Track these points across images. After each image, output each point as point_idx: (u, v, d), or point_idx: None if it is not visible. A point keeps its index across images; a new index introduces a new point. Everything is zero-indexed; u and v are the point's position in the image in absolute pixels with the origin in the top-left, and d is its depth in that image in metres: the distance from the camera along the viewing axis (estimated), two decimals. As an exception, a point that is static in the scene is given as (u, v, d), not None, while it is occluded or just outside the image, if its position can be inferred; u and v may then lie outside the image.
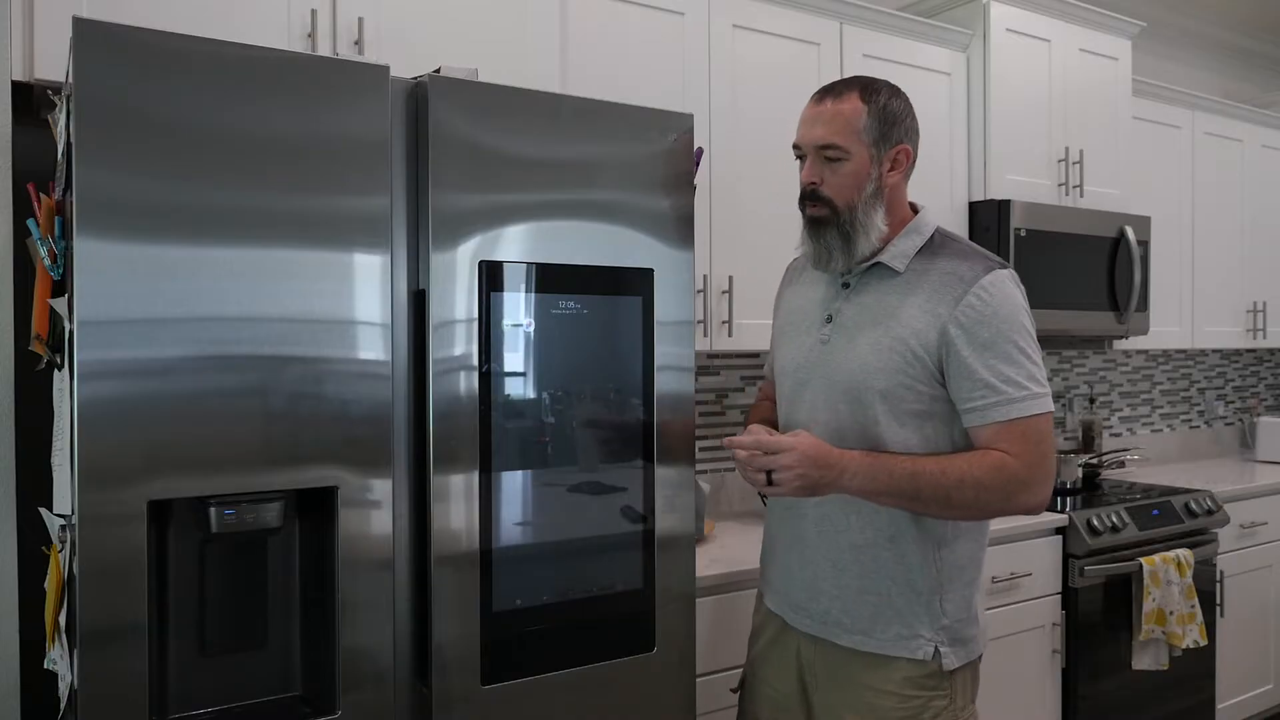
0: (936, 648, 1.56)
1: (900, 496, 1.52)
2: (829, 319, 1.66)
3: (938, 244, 1.62)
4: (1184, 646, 2.81)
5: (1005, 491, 1.51)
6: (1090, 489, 3.23)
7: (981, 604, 1.65)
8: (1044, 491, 1.54)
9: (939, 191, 2.93)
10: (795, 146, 1.65)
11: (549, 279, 1.58)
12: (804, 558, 1.66)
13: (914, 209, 1.67)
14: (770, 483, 1.50)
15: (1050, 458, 1.54)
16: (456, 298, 1.51)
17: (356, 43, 1.94)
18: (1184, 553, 2.89)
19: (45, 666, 1.51)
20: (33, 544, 1.62)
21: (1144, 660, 2.81)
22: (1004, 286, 1.55)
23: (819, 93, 1.64)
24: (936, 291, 1.56)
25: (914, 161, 1.65)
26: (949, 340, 1.53)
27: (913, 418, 1.56)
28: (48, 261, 1.44)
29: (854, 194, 1.59)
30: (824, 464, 1.50)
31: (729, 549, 2.33)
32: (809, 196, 1.61)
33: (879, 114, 1.59)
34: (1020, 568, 2.65)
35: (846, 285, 1.66)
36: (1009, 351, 1.52)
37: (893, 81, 1.66)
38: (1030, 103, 3.08)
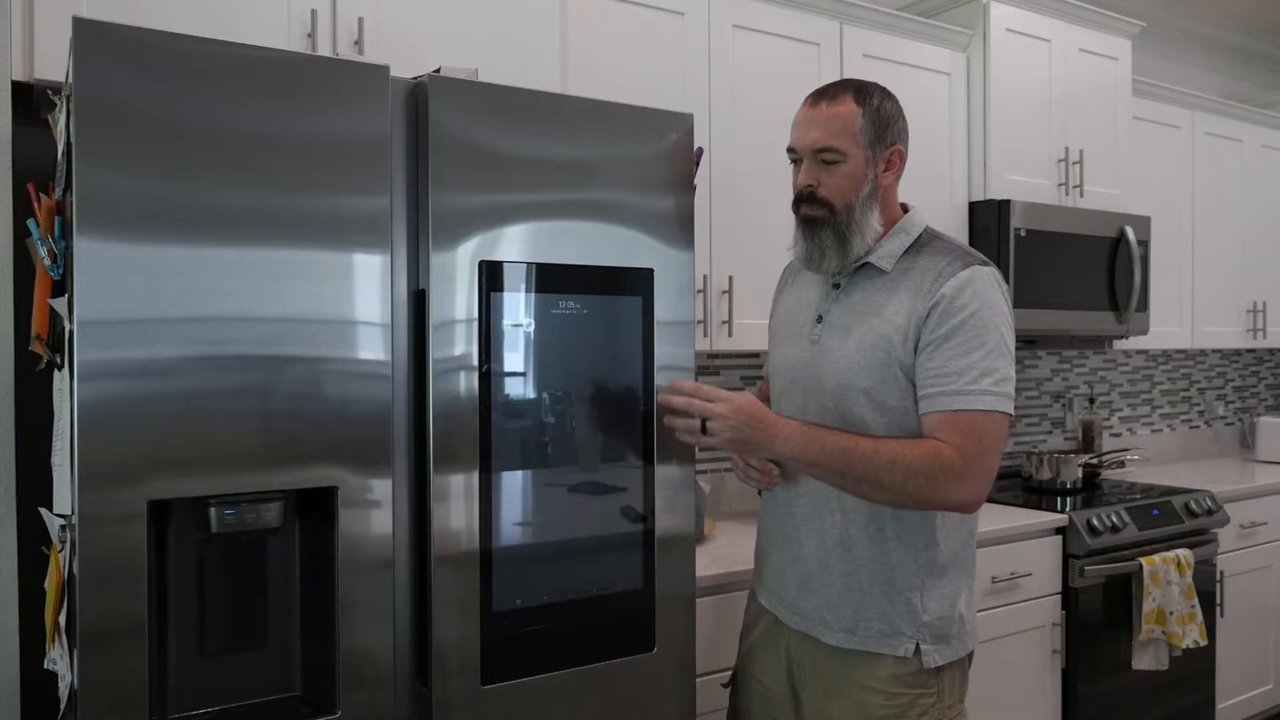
0: (918, 645, 1.57)
1: (831, 470, 1.53)
2: (819, 319, 1.68)
3: (924, 242, 1.63)
4: (1184, 646, 2.81)
5: (935, 480, 1.48)
6: (1090, 489, 3.23)
7: (971, 603, 1.64)
8: (976, 488, 1.50)
9: (939, 191, 2.93)
10: (790, 150, 1.65)
11: (549, 279, 1.58)
12: (794, 555, 1.68)
13: (904, 209, 1.68)
14: (705, 432, 1.54)
15: (990, 456, 1.51)
16: (456, 298, 1.51)
17: (356, 43, 1.94)
18: (1184, 553, 2.89)
19: (45, 666, 1.51)
20: (33, 544, 1.62)
21: (1144, 660, 2.81)
22: (978, 283, 1.54)
23: (813, 95, 1.64)
24: (916, 287, 1.57)
25: (904, 162, 1.66)
26: (919, 333, 1.54)
27: (898, 416, 1.56)
28: (48, 261, 1.44)
29: (851, 195, 1.60)
30: (758, 423, 1.53)
31: (729, 549, 2.33)
32: (806, 198, 1.62)
33: (873, 116, 1.60)
34: (1020, 568, 2.65)
35: (837, 286, 1.67)
36: (968, 343, 1.51)
37: (892, 81, 1.67)
38: (1030, 103, 3.08)
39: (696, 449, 1.71)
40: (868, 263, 1.62)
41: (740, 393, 1.56)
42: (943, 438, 1.50)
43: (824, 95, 1.62)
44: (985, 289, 1.54)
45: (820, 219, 1.61)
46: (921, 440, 1.52)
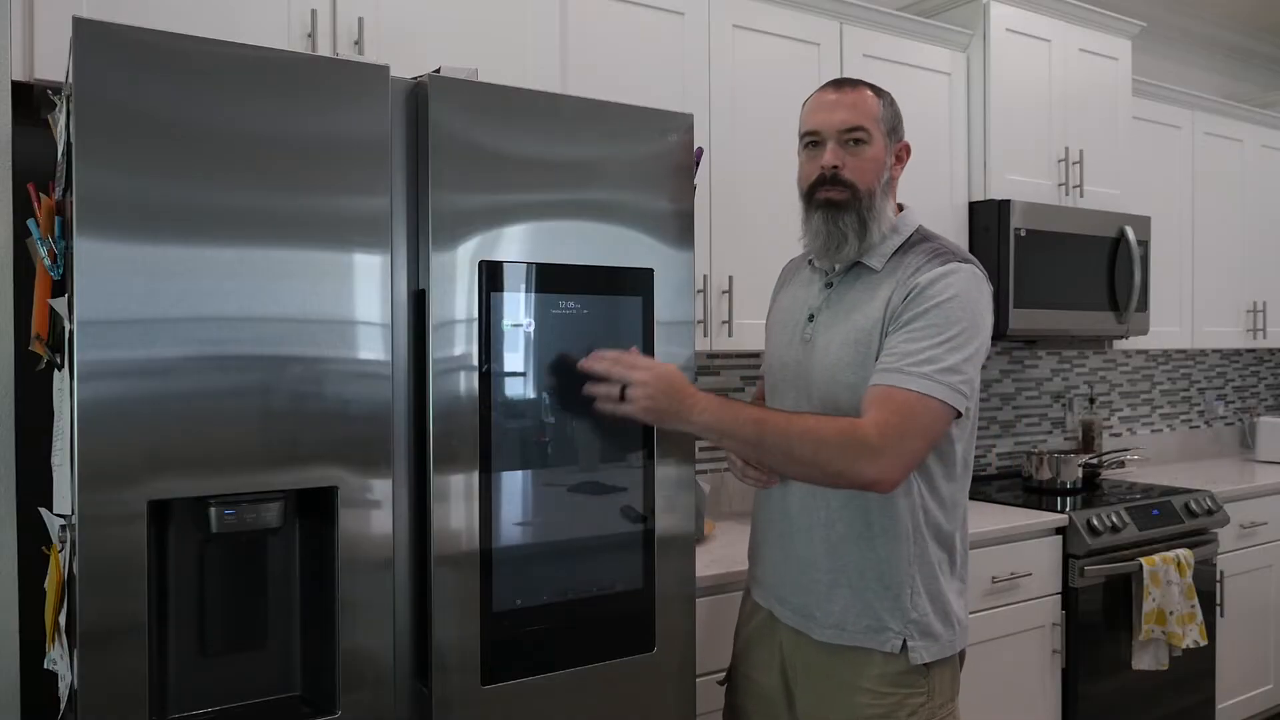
0: (905, 641, 1.56)
1: (744, 441, 1.53)
2: (810, 318, 1.68)
3: (914, 242, 1.64)
4: (1184, 646, 2.81)
5: (848, 453, 1.46)
6: (1090, 489, 3.23)
7: (961, 602, 1.64)
8: (892, 466, 1.46)
9: (939, 191, 2.93)
10: (811, 133, 1.64)
11: (549, 279, 1.58)
12: (785, 551, 1.69)
13: (900, 209, 1.69)
14: (624, 399, 1.52)
15: (911, 440, 1.47)
16: (456, 298, 1.51)
17: (356, 43, 1.94)
18: (1184, 553, 2.89)
19: (45, 666, 1.51)
20: (33, 544, 1.62)
21: (1144, 660, 2.81)
22: (953, 276, 1.54)
23: (833, 83, 1.67)
24: (896, 281, 1.58)
25: (907, 160, 1.71)
26: (890, 321, 1.55)
27: None
28: (48, 261, 1.44)
29: (874, 180, 1.61)
30: (675, 394, 1.52)
31: (729, 549, 2.33)
32: (830, 180, 1.61)
33: (890, 109, 1.65)
34: (1020, 568, 2.65)
35: (830, 285, 1.68)
36: (925, 331, 1.51)
37: (892, 81, 1.69)
38: (1030, 103, 3.08)
39: (696, 447, 1.71)
40: (859, 261, 1.64)
41: (666, 365, 1.56)
42: (870, 412, 1.48)
43: (845, 83, 1.66)
44: (960, 284, 1.53)
45: (843, 202, 1.60)
46: (839, 417, 1.52)
